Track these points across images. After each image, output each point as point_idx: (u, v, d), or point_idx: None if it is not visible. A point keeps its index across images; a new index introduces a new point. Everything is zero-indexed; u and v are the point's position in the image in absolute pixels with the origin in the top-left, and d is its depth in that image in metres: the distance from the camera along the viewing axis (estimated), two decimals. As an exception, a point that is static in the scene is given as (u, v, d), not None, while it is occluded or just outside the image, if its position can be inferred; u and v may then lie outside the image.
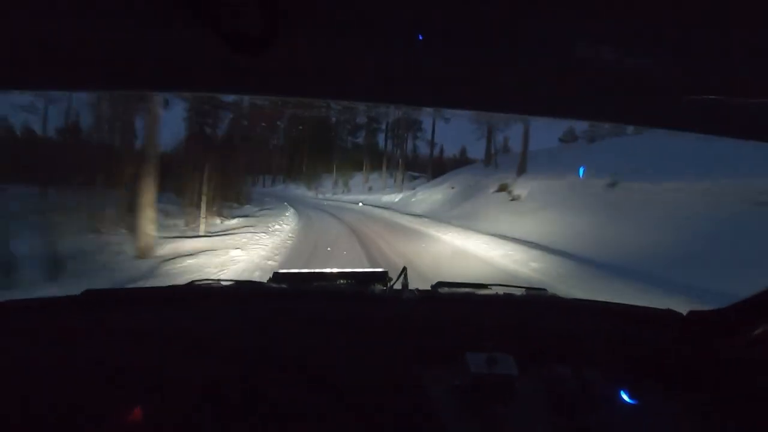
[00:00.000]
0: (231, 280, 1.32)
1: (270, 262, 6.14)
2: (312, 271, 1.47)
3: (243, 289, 1.34)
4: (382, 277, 1.40)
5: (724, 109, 0.71)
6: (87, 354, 0.86)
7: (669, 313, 1.16)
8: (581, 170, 12.63)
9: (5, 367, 0.82)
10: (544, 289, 1.39)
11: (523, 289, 1.37)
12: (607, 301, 1.31)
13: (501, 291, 1.35)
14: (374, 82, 0.77)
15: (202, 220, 9.98)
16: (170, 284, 1.31)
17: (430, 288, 1.34)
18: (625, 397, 0.84)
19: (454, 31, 0.57)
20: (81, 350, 0.88)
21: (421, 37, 0.58)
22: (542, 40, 0.58)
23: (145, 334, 0.95)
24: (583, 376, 0.84)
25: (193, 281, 1.29)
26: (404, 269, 1.41)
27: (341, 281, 1.39)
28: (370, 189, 34.08)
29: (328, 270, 1.44)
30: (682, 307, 1.14)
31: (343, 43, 0.63)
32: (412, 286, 1.35)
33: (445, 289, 1.34)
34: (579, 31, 0.55)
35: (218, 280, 1.32)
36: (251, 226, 10.66)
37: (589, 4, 0.49)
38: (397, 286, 1.36)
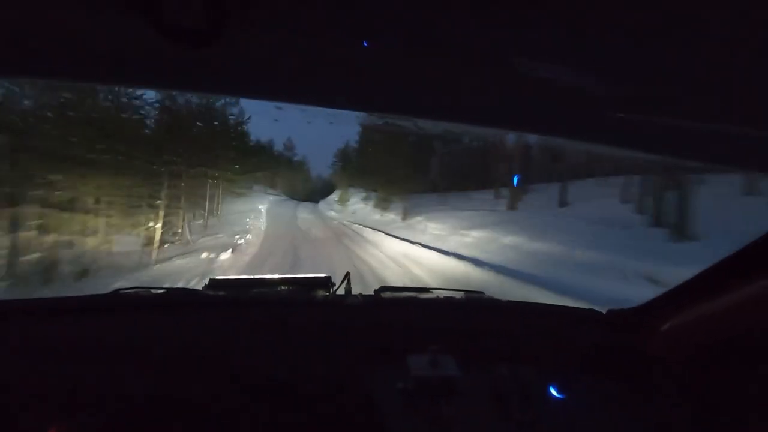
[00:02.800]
0: (161, 288, 1.24)
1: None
2: (251, 277, 1.41)
3: (174, 297, 1.26)
4: (325, 282, 1.38)
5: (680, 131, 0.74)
6: None
7: (591, 312, 1.26)
8: (515, 179, 13.46)
9: None
10: (482, 292, 1.45)
11: (463, 293, 1.42)
12: (538, 302, 1.40)
13: (442, 294, 1.39)
14: (319, 84, 0.76)
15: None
16: (92, 293, 1.20)
17: (373, 293, 1.34)
18: (554, 391, 0.90)
19: (399, 38, 0.58)
20: None
21: (366, 44, 0.58)
22: (486, 51, 0.60)
23: (60, 348, 0.87)
24: (518, 373, 0.89)
25: (118, 290, 1.19)
26: (347, 274, 1.39)
27: (282, 287, 1.36)
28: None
29: (268, 276, 1.40)
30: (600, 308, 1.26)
31: (288, 41, 0.62)
32: (355, 288, 1.34)
33: (388, 294, 1.35)
34: (522, 45, 0.58)
35: (147, 288, 1.23)
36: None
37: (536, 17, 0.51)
38: (341, 291, 1.35)
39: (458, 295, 1.40)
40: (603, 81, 0.62)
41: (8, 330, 0.93)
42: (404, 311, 1.25)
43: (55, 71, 0.75)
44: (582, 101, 0.70)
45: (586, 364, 1.02)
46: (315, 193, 51.00)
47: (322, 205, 38.76)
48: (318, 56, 0.65)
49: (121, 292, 1.18)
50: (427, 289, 1.43)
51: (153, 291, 1.21)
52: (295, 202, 40.63)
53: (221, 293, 1.25)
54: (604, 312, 1.22)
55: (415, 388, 0.84)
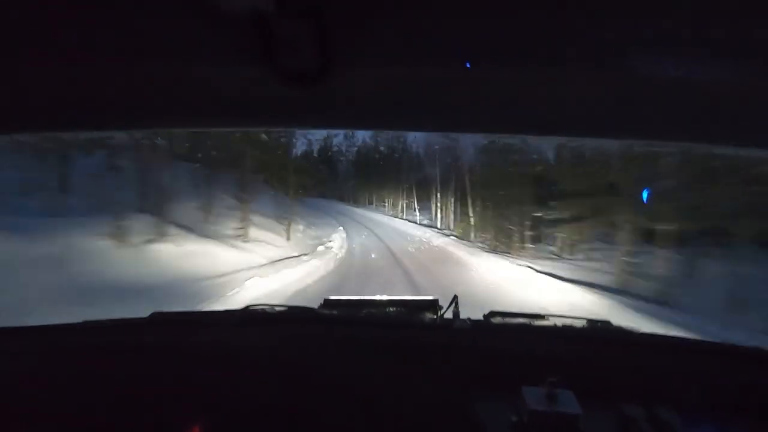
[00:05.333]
0: (284, 306, 1.36)
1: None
2: (362, 298, 1.47)
3: (295, 314, 1.37)
4: (433, 305, 1.38)
5: None
6: (149, 373, 0.92)
7: (756, 350, 1.04)
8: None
9: (73, 384, 0.89)
10: (608, 321, 1.29)
11: (585, 321, 1.29)
12: (685, 336, 1.20)
13: (559, 322, 1.28)
14: (425, 111, 0.78)
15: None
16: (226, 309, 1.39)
17: (482, 318, 1.29)
18: None
19: (501, 54, 0.58)
20: (146, 370, 0.94)
21: (468, 65, 0.59)
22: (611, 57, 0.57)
23: (204, 356, 1.00)
24: (657, 415, 0.77)
25: (248, 306, 1.34)
26: (455, 297, 1.37)
27: (391, 309, 1.39)
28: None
29: (377, 297, 1.44)
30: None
31: (393, 74, 0.65)
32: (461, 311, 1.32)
33: (499, 319, 1.29)
34: (637, 46, 0.53)
35: (272, 305, 1.36)
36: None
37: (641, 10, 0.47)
38: (448, 314, 1.33)
39: (579, 323, 1.27)
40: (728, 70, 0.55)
41: (158, 338, 1.10)
42: (517, 338, 1.18)
43: (182, 122, 0.88)
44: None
45: (746, 411, 0.83)
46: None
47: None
48: (419, 83, 0.67)
49: (251, 308, 1.33)
50: (541, 316, 1.34)
51: (277, 308, 1.34)
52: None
53: (335, 312, 1.33)
54: None
55: (529, 422, 0.77)
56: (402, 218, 28.37)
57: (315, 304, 1.41)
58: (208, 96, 0.74)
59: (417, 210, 29.42)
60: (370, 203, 40.02)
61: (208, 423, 0.78)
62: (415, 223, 25.22)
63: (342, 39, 0.55)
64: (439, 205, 24.67)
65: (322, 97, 0.70)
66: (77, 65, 0.65)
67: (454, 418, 0.82)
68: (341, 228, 17.85)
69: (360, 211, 32.77)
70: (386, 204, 36.50)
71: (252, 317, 1.28)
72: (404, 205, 32.29)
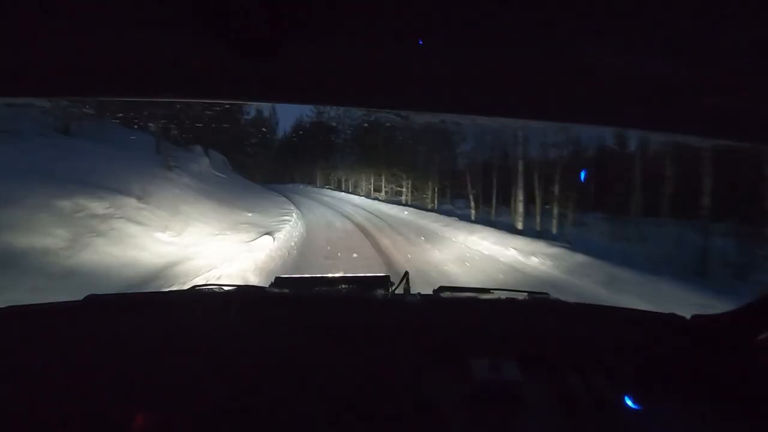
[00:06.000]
0: (233, 285, 1.33)
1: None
2: (313, 276, 1.47)
3: (244, 294, 1.34)
4: (384, 281, 1.40)
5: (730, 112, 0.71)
6: (88, 359, 0.87)
7: (673, 317, 1.15)
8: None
9: (7, 371, 0.82)
10: (547, 294, 1.38)
11: (526, 294, 1.37)
12: (612, 305, 1.31)
13: (504, 295, 1.35)
14: (377, 86, 0.77)
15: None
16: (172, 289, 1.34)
17: (432, 292, 1.33)
18: (630, 402, 0.83)
19: (457, 33, 0.57)
20: (82, 355, 0.88)
21: (421, 42, 0.58)
22: (551, 43, 0.58)
23: (146, 339, 0.95)
24: (589, 381, 0.84)
25: (194, 286, 1.30)
26: (406, 273, 1.41)
27: (343, 286, 1.39)
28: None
29: (329, 275, 1.45)
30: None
31: (344, 49, 0.63)
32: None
33: (448, 294, 1.33)
34: (589, 35, 0.55)
35: (220, 285, 1.33)
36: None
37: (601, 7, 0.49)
38: (399, 290, 1.36)
39: (521, 296, 1.35)
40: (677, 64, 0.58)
41: (94, 321, 1.04)
42: (465, 312, 1.23)
43: (130, 90, 0.82)
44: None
45: (667, 374, 0.93)
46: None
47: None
48: (373, 59, 0.66)
49: (197, 288, 1.29)
50: (487, 290, 1.40)
51: (225, 287, 1.30)
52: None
53: (286, 291, 1.31)
54: (687, 317, 1.11)
55: (475, 392, 0.82)
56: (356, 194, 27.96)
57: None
58: (155, 65, 0.70)
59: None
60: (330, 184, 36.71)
61: (152, 411, 0.75)
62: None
63: (292, 11, 0.53)
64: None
65: (272, 69, 0.68)
66: (27, 30, 0.59)
67: (403, 391, 0.84)
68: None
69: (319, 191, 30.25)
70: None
71: (198, 298, 1.24)
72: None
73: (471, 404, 0.81)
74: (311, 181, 36.92)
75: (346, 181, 32.06)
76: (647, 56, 0.58)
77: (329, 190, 30.57)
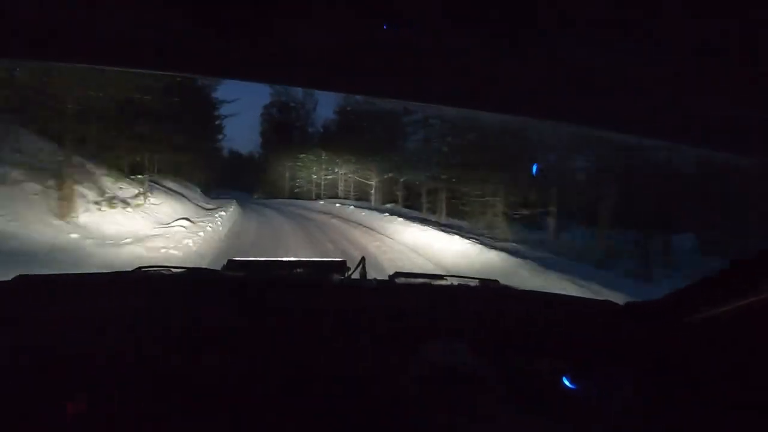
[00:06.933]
0: (182, 267, 1.27)
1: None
2: (268, 259, 1.44)
3: (195, 276, 1.29)
4: (341, 266, 1.40)
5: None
6: (22, 343, 0.82)
7: (608, 303, 1.24)
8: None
9: None
10: (497, 281, 1.44)
11: (477, 281, 1.41)
12: (555, 293, 1.38)
13: (456, 282, 1.39)
14: (357, 72, 0.76)
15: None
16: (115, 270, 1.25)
17: (387, 278, 1.35)
18: (568, 383, 0.88)
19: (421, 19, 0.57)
20: (14, 339, 0.83)
21: (385, 27, 0.58)
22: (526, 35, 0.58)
23: (85, 323, 0.89)
24: (532, 364, 0.88)
25: (140, 267, 1.23)
26: (362, 259, 1.41)
27: (298, 270, 1.38)
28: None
29: (285, 259, 1.43)
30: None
31: (320, 32, 0.62)
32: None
33: (403, 279, 1.35)
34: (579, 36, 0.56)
35: (168, 267, 1.26)
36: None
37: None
38: (355, 275, 1.36)
39: (473, 282, 1.40)
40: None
41: (33, 304, 0.96)
42: (419, 297, 1.25)
43: (103, 58, 0.77)
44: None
45: (604, 356, 1.00)
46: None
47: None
48: (340, 42, 0.65)
49: (143, 269, 1.22)
50: (441, 276, 1.44)
51: (174, 269, 1.24)
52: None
53: (240, 274, 1.28)
54: (621, 303, 1.19)
55: (427, 374, 0.84)
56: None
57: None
58: (127, 37, 0.67)
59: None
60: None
61: (86, 400, 0.71)
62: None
63: None
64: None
65: (251, 47, 0.67)
66: None
67: (357, 373, 0.85)
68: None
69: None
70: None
71: (143, 280, 1.18)
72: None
73: (421, 385, 0.83)
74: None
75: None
76: (622, 53, 0.59)
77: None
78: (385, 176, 19.82)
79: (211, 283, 1.19)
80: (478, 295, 1.34)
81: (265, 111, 34.57)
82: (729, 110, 0.66)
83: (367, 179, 21.72)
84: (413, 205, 18.23)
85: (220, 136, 27.14)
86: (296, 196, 27.85)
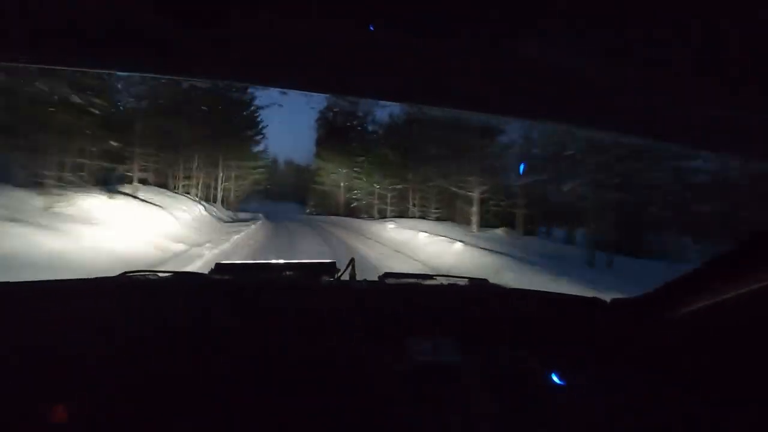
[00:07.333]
0: (169, 272, 1.26)
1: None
2: (257, 262, 1.45)
3: (182, 281, 1.29)
4: (330, 268, 1.38)
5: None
6: (6, 348, 0.83)
7: (594, 300, 1.17)
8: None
9: None
10: (486, 280, 1.39)
11: (466, 280, 1.38)
12: (542, 290, 1.32)
13: (445, 281, 1.36)
14: (326, 71, 0.73)
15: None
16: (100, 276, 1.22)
17: (377, 279, 1.34)
18: (556, 378, 0.87)
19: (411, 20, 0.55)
20: None
21: (372, 28, 0.56)
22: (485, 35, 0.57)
23: (69, 329, 0.90)
24: (519, 360, 0.87)
25: (125, 272, 1.23)
26: (352, 260, 1.39)
27: (288, 272, 1.37)
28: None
29: (274, 261, 1.42)
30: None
31: (289, 27, 0.59)
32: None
33: (392, 280, 1.34)
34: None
35: (154, 271, 1.26)
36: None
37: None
38: (345, 277, 1.35)
39: (462, 282, 1.36)
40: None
41: (19, 310, 0.95)
42: (408, 297, 1.24)
43: (55, 58, 0.74)
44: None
45: (590, 352, 0.97)
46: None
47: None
48: (323, 41, 0.63)
49: (129, 274, 1.22)
50: (430, 276, 1.42)
51: (160, 274, 1.24)
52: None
53: (227, 277, 1.27)
54: (608, 300, 1.12)
55: (414, 371, 0.85)
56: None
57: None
58: (94, 31, 0.63)
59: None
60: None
61: (74, 404, 0.73)
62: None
63: None
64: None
65: (215, 43, 0.64)
66: None
67: (347, 372, 0.87)
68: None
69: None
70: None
71: (129, 285, 1.17)
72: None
73: (408, 382, 0.84)
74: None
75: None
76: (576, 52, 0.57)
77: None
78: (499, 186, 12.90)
79: (199, 287, 1.20)
80: (467, 293, 1.30)
81: (320, 116, 31.40)
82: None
83: (467, 189, 14.33)
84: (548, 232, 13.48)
85: (258, 146, 25.31)
86: (352, 213, 23.02)
